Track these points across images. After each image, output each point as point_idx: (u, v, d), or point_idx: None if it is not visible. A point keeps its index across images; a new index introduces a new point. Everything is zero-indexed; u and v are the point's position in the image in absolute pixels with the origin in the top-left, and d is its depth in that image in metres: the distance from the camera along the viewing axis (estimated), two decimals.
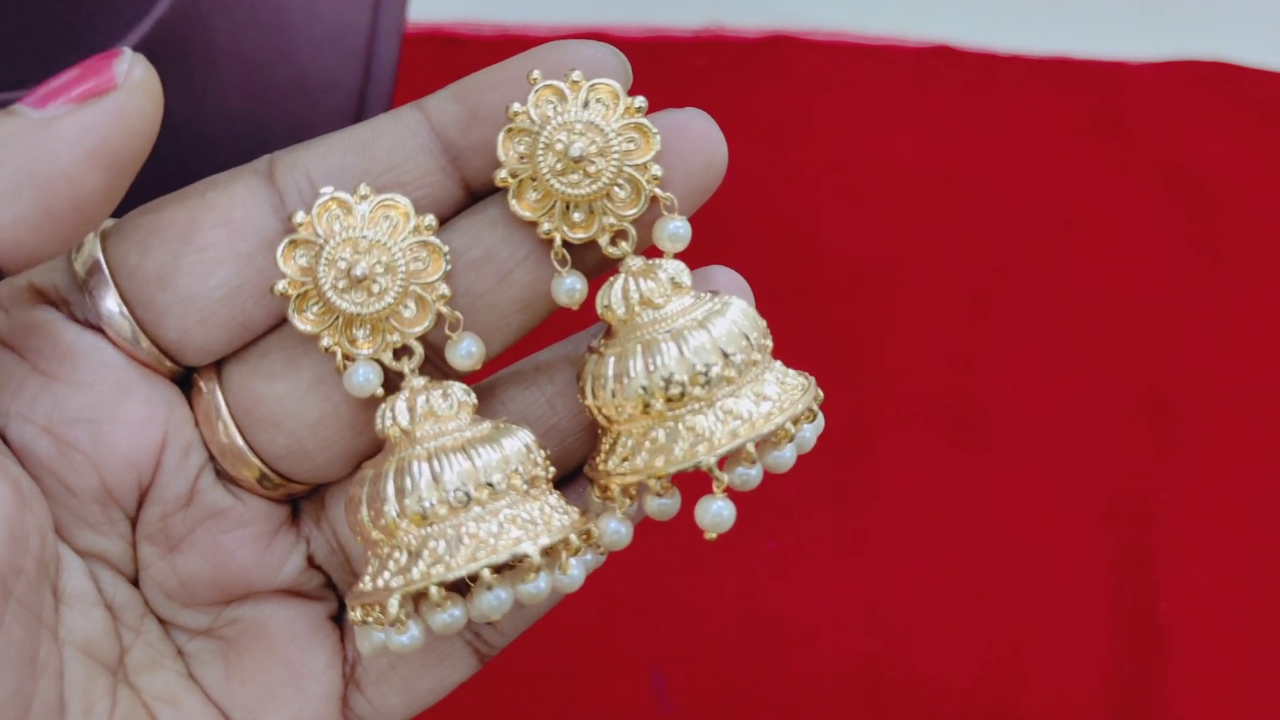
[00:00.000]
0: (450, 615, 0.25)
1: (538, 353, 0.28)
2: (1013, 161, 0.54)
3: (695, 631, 0.46)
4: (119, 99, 0.23)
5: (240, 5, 0.44)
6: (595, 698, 0.45)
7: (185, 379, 0.27)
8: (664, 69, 0.55)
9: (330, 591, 0.29)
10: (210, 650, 0.28)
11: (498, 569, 0.24)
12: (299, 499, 0.28)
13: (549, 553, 0.25)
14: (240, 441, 0.26)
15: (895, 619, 0.46)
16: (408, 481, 0.24)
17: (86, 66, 0.23)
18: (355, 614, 0.25)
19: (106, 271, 0.25)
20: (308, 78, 0.47)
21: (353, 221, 0.25)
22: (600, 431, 0.26)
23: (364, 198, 0.25)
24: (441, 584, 0.24)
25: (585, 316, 0.27)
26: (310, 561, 0.28)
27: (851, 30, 0.56)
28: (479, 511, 0.24)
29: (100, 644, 0.26)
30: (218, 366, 0.27)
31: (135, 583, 0.27)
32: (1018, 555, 0.47)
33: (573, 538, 0.25)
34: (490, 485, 0.24)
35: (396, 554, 0.25)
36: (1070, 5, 0.58)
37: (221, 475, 0.27)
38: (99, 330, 0.26)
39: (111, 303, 0.25)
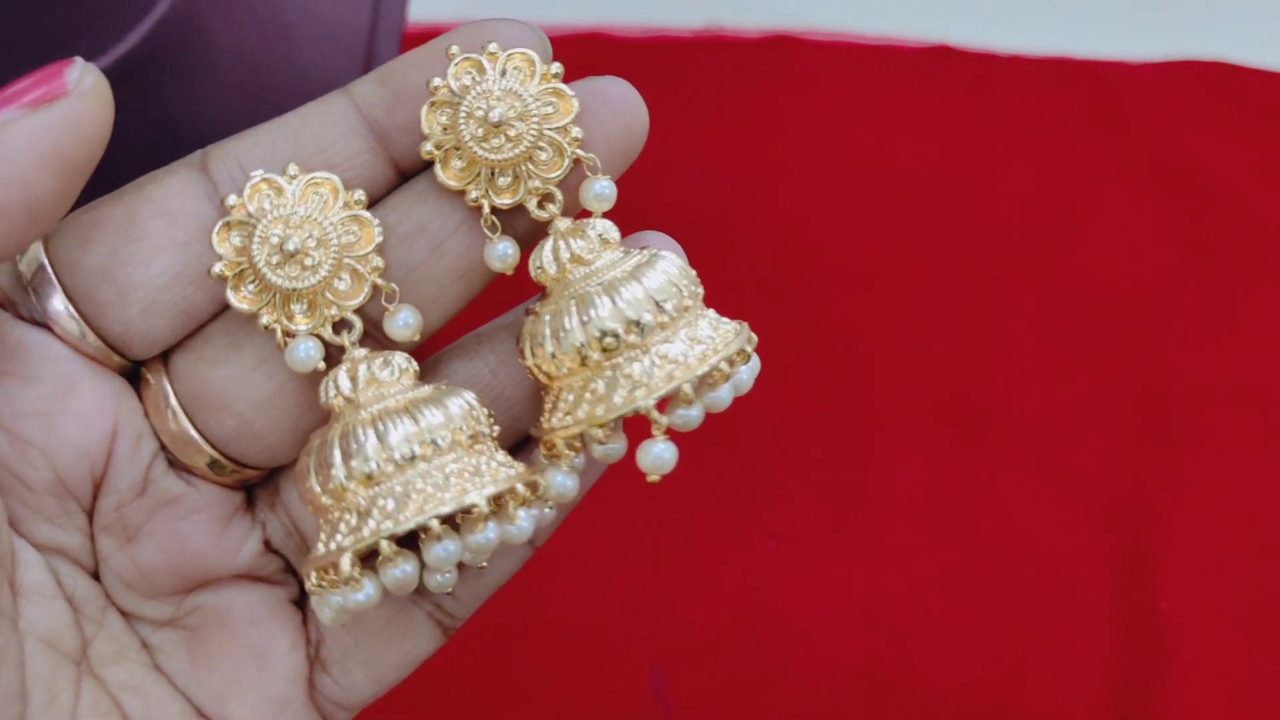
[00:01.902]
0: (401, 570, 0.25)
1: (479, 328, 0.29)
2: (1013, 161, 0.54)
3: (695, 631, 0.46)
4: (70, 105, 0.24)
5: (239, 5, 0.44)
6: (595, 697, 0.45)
7: (133, 375, 0.28)
8: (664, 69, 0.55)
9: (290, 576, 0.29)
10: (174, 641, 0.28)
11: (450, 522, 0.25)
12: (252, 486, 0.29)
13: (498, 505, 0.26)
14: (189, 426, 0.27)
15: (895, 619, 0.46)
16: (353, 445, 0.25)
17: (39, 74, 0.24)
18: (311, 580, 0.26)
19: (50, 271, 0.26)
20: (307, 78, 0.47)
21: (283, 200, 0.26)
22: (543, 392, 0.27)
23: (293, 178, 0.26)
24: (393, 538, 0.25)
25: (523, 286, 0.28)
26: (267, 546, 0.29)
27: (851, 30, 0.56)
28: (425, 468, 0.25)
29: (62, 635, 0.27)
30: (164, 358, 0.27)
31: (96, 576, 0.28)
32: (1017, 555, 0.47)
33: (519, 488, 0.26)
34: (434, 443, 0.25)
35: (347, 516, 0.25)
36: (1070, 5, 0.58)
37: (174, 464, 0.28)
38: (45, 327, 0.26)
39: (57, 301, 0.26)
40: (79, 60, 0.24)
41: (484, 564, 0.28)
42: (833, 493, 0.48)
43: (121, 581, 0.28)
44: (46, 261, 0.26)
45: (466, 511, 0.25)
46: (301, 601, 0.29)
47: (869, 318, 0.51)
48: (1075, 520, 0.48)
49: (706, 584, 0.46)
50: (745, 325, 0.27)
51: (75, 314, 0.26)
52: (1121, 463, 0.48)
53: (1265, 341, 0.51)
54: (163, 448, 0.27)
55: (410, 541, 0.26)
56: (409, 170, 0.27)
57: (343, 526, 0.25)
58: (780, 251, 0.52)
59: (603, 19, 0.56)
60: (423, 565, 0.26)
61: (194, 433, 0.27)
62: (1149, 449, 0.49)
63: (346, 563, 0.25)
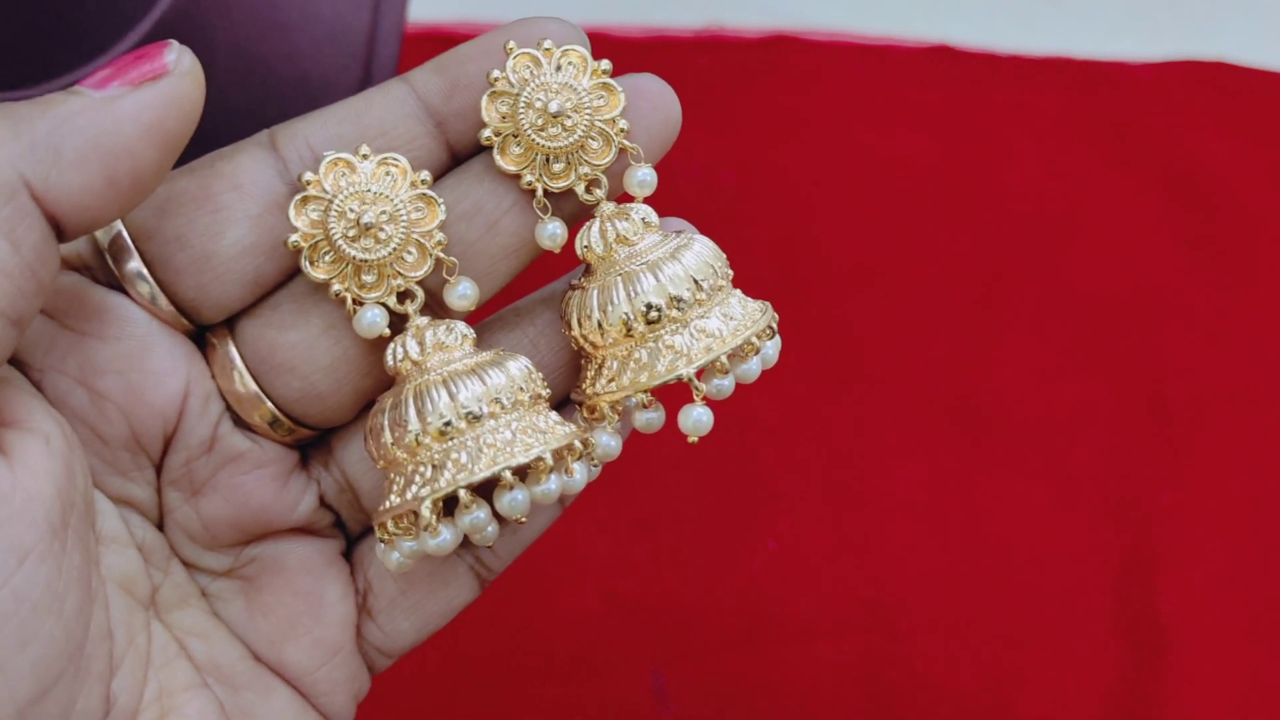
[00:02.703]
0: (475, 517, 0.28)
1: (517, 301, 0.32)
2: (1013, 161, 0.54)
3: (695, 631, 0.46)
4: (171, 84, 0.26)
5: (240, 5, 0.44)
6: (595, 698, 0.45)
7: (199, 340, 0.30)
8: (664, 69, 0.55)
9: (338, 530, 0.32)
10: (231, 590, 0.31)
11: (516, 473, 0.28)
12: (307, 446, 0.31)
13: (555, 459, 0.28)
14: (255, 388, 0.29)
15: (895, 619, 0.46)
16: (428, 403, 0.28)
17: (140, 54, 0.26)
18: (385, 529, 0.29)
19: (127, 237, 0.28)
20: (308, 77, 0.47)
21: (357, 178, 0.28)
22: (584, 360, 0.30)
23: (366, 157, 0.29)
24: (468, 488, 0.28)
25: (565, 261, 0.30)
26: (321, 501, 0.31)
27: (851, 30, 0.57)
28: (493, 424, 0.28)
29: (135, 581, 0.29)
30: (229, 324, 0.30)
31: (160, 528, 0.30)
32: (1018, 556, 0.47)
33: (576, 443, 0.29)
34: (500, 402, 0.28)
35: (422, 469, 0.28)
36: (1070, 5, 0.59)
37: (238, 423, 0.30)
38: (122, 290, 0.29)
39: (133, 266, 0.28)
40: (174, 43, 0.26)
41: (523, 520, 0.30)
42: (833, 493, 0.48)
43: (185, 533, 0.30)
44: (124, 229, 0.28)
45: (530, 464, 0.28)
46: (349, 555, 0.32)
47: (870, 317, 0.51)
48: (1075, 521, 0.48)
49: (706, 584, 0.47)
50: (769, 305, 0.30)
51: (150, 278, 0.28)
52: (1122, 464, 0.49)
53: (1265, 342, 0.51)
54: (228, 408, 0.30)
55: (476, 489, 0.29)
56: (462, 154, 0.30)
57: (417, 478, 0.28)
58: (781, 251, 0.52)
59: (603, 19, 0.56)
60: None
61: (260, 393, 0.29)
62: (1149, 450, 0.49)
63: (427, 509, 0.27)
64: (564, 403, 0.31)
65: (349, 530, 0.32)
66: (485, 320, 0.31)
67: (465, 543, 0.30)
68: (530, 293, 0.32)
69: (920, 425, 0.50)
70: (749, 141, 0.54)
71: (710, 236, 0.53)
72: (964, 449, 0.49)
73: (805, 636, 0.46)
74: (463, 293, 0.29)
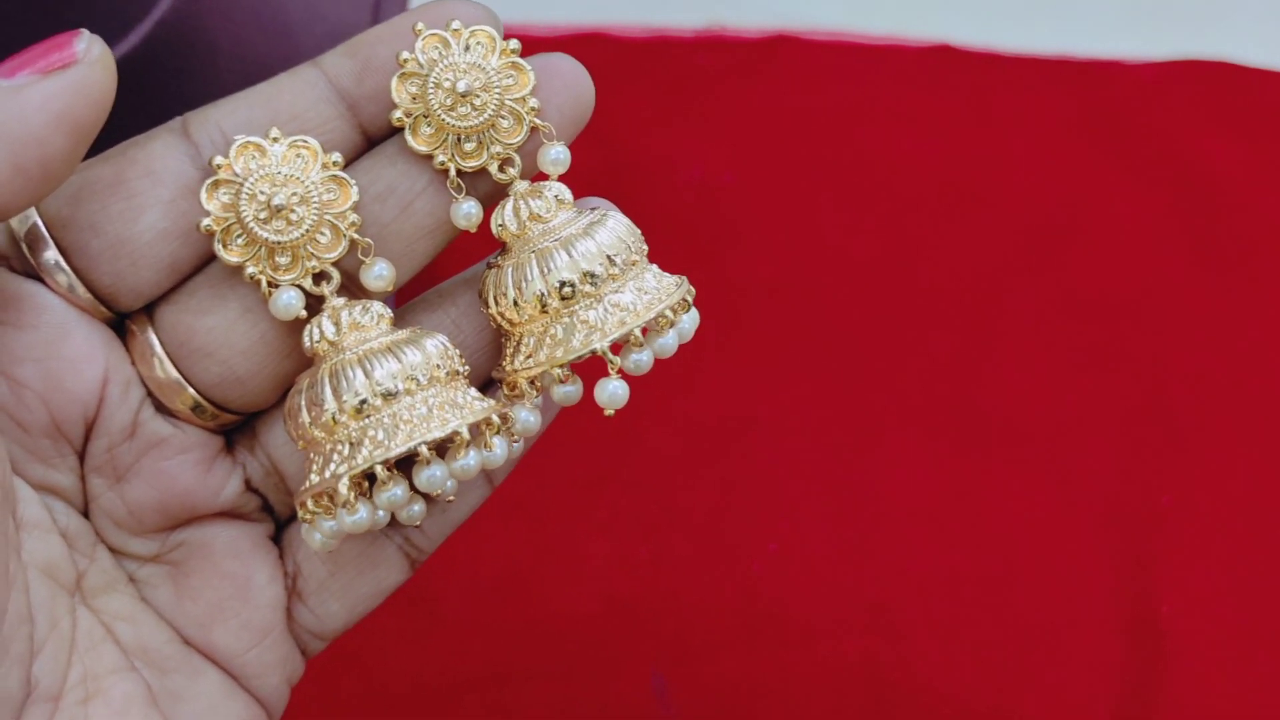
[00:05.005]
0: (393, 493, 0.28)
1: (439, 284, 0.32)
2: (1013, 161, 0.54)
3: (695, 631, 0.46)
4: (80, 72, 0.26)
5: (240, 5, 0.44)
6: (595, 698, 0.45)
7: (118, 328, 0.30)
8: (664, 69, 0.55)
9: (266, 515, 0.32)
10: (159, 575, 0.31)
11: (433, 448, 0.28)
12: (231, 431, 0.31)
13: (475, 434, 0.29)
14: (175, 373, 0.29)
15: (896, 620, 0.46)
16: (343, 382, 0.28)
17: (50, 43, 0.26)
18: (305, 508, 0.29)
19: (43, 227, 0.28)
20: None
21: (268, 161, 0.29)
22: (504, 338, 0.30)
23: (276, 140, 0.29)
24: (385, 464, 0.28)
25: (475, 243, 0.31)
26: (247, 485, 0.31)
27: (852, 30, 0.56)
28: (410, 401, 0.28)
29: (59, 567, 0.29)
30: (148, 311, 0.30)
31: (85, 514, 0.30)
32: (1019, 557, 0.47)
33: (494, 418, 0.29)
34: (416, 379, 0.28)
35: (340, 447, 0.28)
36: (1070, 5, 0.58)
37: (159, 410, 0.30)
38: (38, 280, 0.29)
39: (49, 255, 0.28)
40: (84, 31, 0.26)
41: (451, 498, 0.30)
42: (834, 494, 0.48)
43: (110, 519, 0.30)
44: (39, 219, 0.28)
45: (449, 440, 0.28)
46: (278, 538, 0.32)
47: (870, 318, 0.51)
48: (1076, 522, 0.48)
49: (707, 585, 0.47)
50: (685, 279, 0.30)
51: (66, 267, 0.28)
52: (1123, 465, 0.49)
53: (1267, 342, 0.51)
54: (148, 394, 0.30)
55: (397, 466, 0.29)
56: (375, 136, 0.30)
57: (335, 456, 0.28)
58: (781, 251, 0.52)
59: (603, 19, 0.56)
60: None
61: (180, 379, 0.29)
62: (1150, 452, 0.49)
63: (344, 486, 0.28)
64: (490, 383, 0.31)
65: (277, 514, 0.32)
66: (409, 303, 0.31)
67: (394, 523, 0.30)
68: (455, 274, 0.32)
69: (921, 426, 0.49)
70: (749, 141, 0.54)
71: (710, 236, 0.53)
72: (965, 450, 0.49)
73: (806, 638, 0.46)
74: (379, 273, 0.29)
